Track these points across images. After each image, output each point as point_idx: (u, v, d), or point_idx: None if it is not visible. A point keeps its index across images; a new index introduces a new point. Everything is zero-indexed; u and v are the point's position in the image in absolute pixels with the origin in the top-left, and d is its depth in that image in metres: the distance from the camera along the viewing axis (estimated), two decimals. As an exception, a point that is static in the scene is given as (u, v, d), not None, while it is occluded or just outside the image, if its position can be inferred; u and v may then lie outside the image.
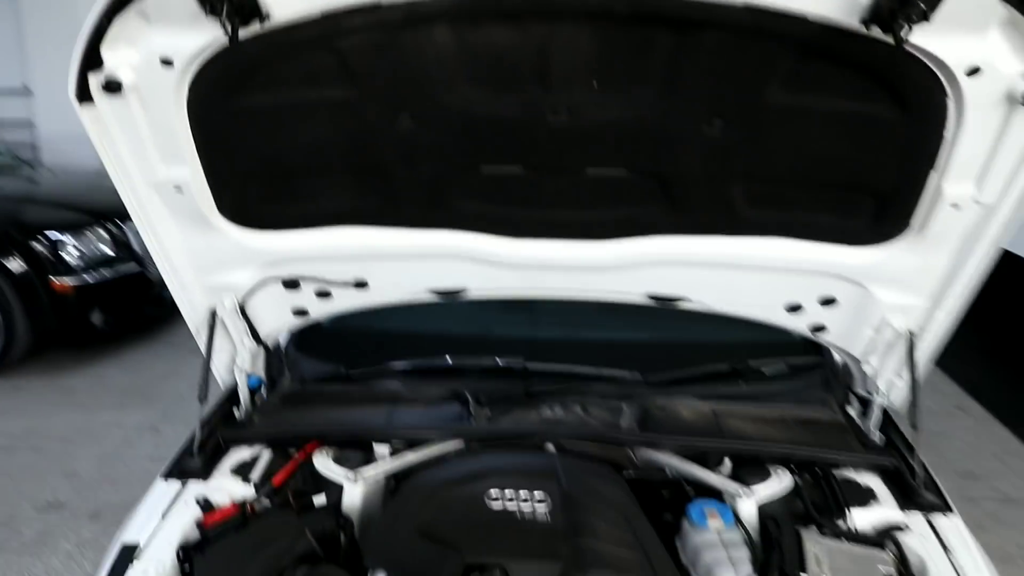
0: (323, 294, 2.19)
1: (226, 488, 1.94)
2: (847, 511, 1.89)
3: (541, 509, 1.78)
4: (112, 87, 1.59)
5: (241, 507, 1.86)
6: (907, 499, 1.94)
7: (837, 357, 2.46)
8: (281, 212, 1.98)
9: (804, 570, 1.67)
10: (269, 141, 1.78)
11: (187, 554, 1.75)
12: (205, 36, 1.51)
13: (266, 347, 2.37)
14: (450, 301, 2.23)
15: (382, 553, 1.71)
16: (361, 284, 2.16)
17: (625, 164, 1.80)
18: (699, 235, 1.96)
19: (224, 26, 1.40)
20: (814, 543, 1.76)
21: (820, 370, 2.48)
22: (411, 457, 2.03)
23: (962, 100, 1.51)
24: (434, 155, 1.79)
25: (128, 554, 1.73)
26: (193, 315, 2.19)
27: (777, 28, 1.42)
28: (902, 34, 1.33)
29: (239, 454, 2.06)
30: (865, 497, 1.94)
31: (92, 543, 3.44)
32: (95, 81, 1.60)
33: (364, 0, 1.43)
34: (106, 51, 1.55)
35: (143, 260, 5.43)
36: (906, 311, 2.07)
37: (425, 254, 2.06)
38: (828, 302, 2.11)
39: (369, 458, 2.04)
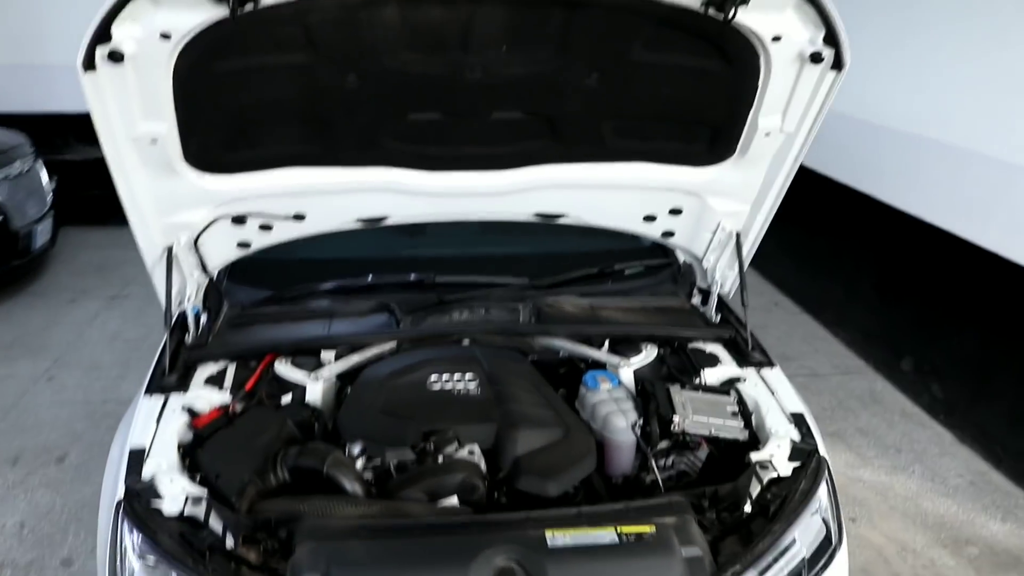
0: (265, 227, 2.54)
1: (204, 397, 2.29)
2: (700, 371, 2.49)
3: (472, 386, 2.27)
4: (115, 57, 1.84)
5: (224, 409, 2.24)
6: (742, 359, 2.56)
7: (681, 258, 3.07)
8: (237, 157, 2.29)
9: (675, 412, 2.25)
10: (235, 98, 2.08)
11: (187, 450, 2.12)
12: (203, 15, 1.79)
13: (209, 278, 2.69)
14: (372, 228, 2.64)
15: (355, 429, 2.15)
16: (300, 217, 2.52)
17: (522, 108, 2.26)
18: (577, 163, 2.46)
19: (231, 7, 1.72)
20: (679, 394, 2.34)
21: (668, 269, 3.07)
22: (356, 358, 2.45)
23: (769, 58, 2.06)
24: (371, 106, 2.17)
25: (138, 456, 2.06)
26: (151, 252, 2.47)
27: (640, 7, 1.90)
28: (729, 15, 1.85)
29: (206, 369, 2.41)
30: (712, 360, 2.55)
31: (20, 484, 3.64)
32: (101, 52, 1.84)
33: None
34: (115, 28, 1.80)
35: (7, 210, 5.41)
36: (734, 216, 2.66)
37: (356, 188, 2.44)
38: (675, 212, 2.68)
39: (320, 362, 2.45)
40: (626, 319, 2.69)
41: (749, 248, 2.74)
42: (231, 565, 1.78)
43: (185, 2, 1.77)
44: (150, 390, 2.32)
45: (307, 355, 2.46)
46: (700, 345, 2.64)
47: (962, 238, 4.13)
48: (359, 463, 2.05)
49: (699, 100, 2.27)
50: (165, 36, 1.84)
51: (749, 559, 1.85)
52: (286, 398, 2.35)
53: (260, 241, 2.60)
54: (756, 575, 1.86)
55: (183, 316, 2.62)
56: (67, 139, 7.48)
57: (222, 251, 2.60)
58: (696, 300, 2.96)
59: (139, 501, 1.91)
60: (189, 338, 2.59)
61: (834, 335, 5.36)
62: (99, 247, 6.72)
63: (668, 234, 2.78)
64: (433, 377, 2.29)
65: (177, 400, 2.27)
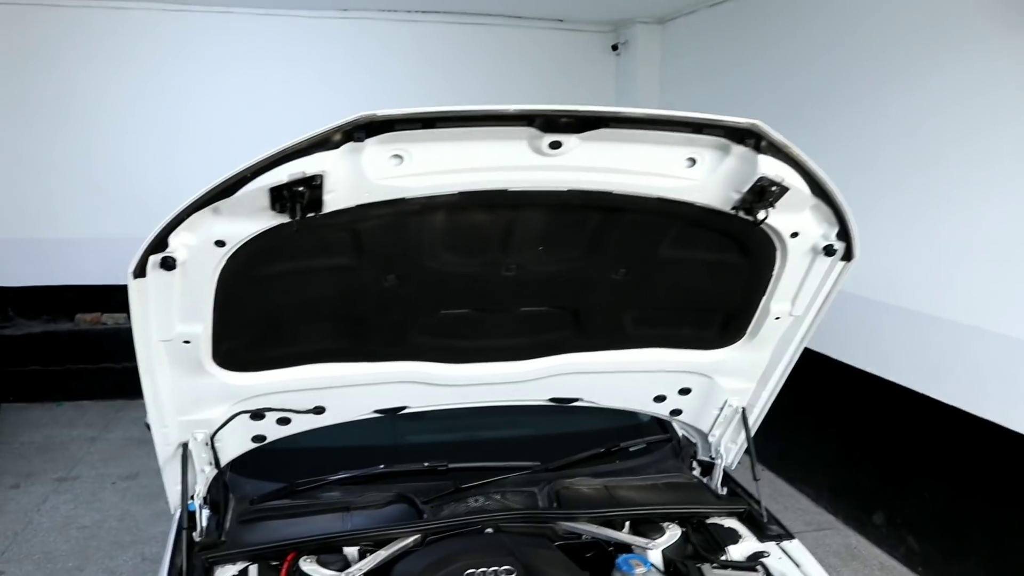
0: (283, 421, 2.52)
1: (232, 604, 2.21)
2: (725, 548, 2.52)
3: (508, 578, 2.25)
4: (168, 265, 1.85)
5: (255, 616, 2.16)
6: (761, 532, 2.61)
7: (680, 432, 3.14)
8: (265, 355, 2.29)
9: (711, 593, 2.26)
10: (274, 299, 2.11)
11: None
12: (261, 223, 1.82)
13: (217, 472, 2.62)
14: (390, 417, 2.64)
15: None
16: (319, 410, 2.51)
17: (549, 303, 2.35)
18: (595, 351, 2.55)
19: (293, 218, 1.77)
20: (711, 573, 2.37)
21: (668, 444, 3.13)
22: (384, 554, 2.40)
23: (786, 251, 2.22)
24: (405, 304, 2.23)
25: None
26: (165, 449, 2.41)
27: (674, 210, 2.04)
28: (759, 218, 2.01)
29: (227, 570, 2.32)
30: (733, 536, 2.58)
31: None
32: (153, 260, 1.85)
33: (391, 196, 1.86)
34: (172, 237, 1.83)
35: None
36: (740, 393, 2.76)
37: (378, 381, 2.45)
38: (685, 391, 2.77)
39: (346, 560, 2.38)
40: (642, 498, 2.72)
41: (754, 422, 2.83)
42: None
43: (246, 213, 1.80)
44: None
45: (331, 552, 2.40)
46: (717, 520, 2.67)
47: (922, 394, 4.34)
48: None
49: (716, 290, 2.40)
50: (219, 243, 1.87)
51: None
52: (317, 602, 2.27)
53: (276, 434, 2.57)
54: None
55: (187, 514, 2.53)
56: (6, 312, 7.30)
57: (236, 446, 2.56)
58: (696, 472, 3.02)
59: None
60: (196, 536, 2.50)
61: (801, 492, 5.45)
62: (40, 425, 6.46)
63: (676, 412, 2.86)
64: (470, 571, 2.26)
65: None
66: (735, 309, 2.46)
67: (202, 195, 1.73)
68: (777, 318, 2.46)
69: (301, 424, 2.55)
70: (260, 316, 2.16)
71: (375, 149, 1.70)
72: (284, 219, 1.81)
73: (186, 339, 2.11)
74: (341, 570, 2.32)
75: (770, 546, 2.55)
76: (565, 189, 1.92)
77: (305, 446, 2.76)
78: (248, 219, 1.82)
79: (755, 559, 2.49)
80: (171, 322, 2.05)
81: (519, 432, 3.15)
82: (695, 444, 3.09)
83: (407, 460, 2.81)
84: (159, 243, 1.82)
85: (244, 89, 7.27)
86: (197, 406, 2.35)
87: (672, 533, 2.57)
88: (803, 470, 5.50)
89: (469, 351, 2.44)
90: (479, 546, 2.39)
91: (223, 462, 2.57)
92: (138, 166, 7.17)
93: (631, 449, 3.04)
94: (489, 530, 2.52)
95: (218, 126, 7.16)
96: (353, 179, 1.74)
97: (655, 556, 2.48)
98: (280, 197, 1.72)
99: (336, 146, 1.65)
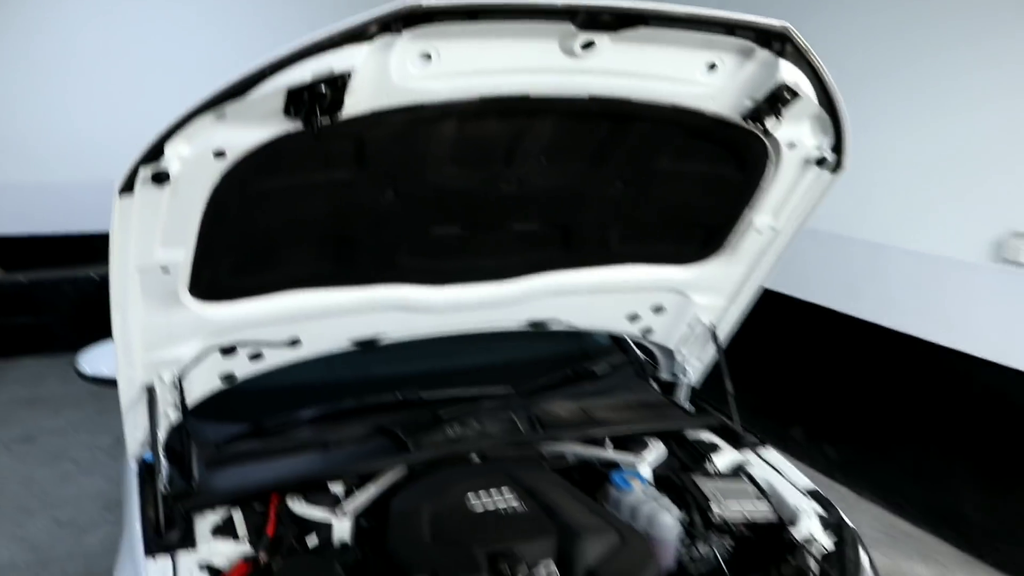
0: (256, 356, 2.35)
1: (221, 551, 2.05)
2: (709, 461, 2.56)
3: (514, 502, 2.19)
4: (160, 179, 1.64)
5: (252, 562, 2.02)
6: (737, 443, 2.66)
7: (639, 354, 3.15)
8: (244, 283, 2.11)
9: (711, 502, 2.29)
10: (263, 219, 1.93)
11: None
12: (268, 131, 1.64)
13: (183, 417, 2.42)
14: (362, 350, 2.51)
15: (419, 564, 2.00)
16: (295, 342, 2.35)
17: (542, 219, 2.28)
18: (579, 268, 2.50)
19: (309, 124, 1.62)
20: (704, 484, 2.39)
21: (631, 365, 3.14)
22: (374, 489, 2.30)
23: (780, 162, 2.21)
24: (399, 223, 2.10)
25: None
26: (129, 392, 2.19)
27: (684, 119, 2.00)
28: (768, 127, 1.99)
29: (207, 520, 2.16)
30: (714, 448, 2.62)
31: None
32: (144, 173, 1.64)
33: (411, 100, 1.72)
34: (168, 146, 1.63)
35: None
36: (712, 310, 2.78)
37: (359, 308, 2.32)
38: (659, 309, 2.76)
39: (336, 497, 2.27)
40: (620, 417, 2.72)
41: (724, 339, 2.86)
42: None
43: (255, 118, 1.63)
44: (151, 551, 2.04)
45: (318, 491, 2.28)
46: (693, 434, 2.71)
47: (840, 312, 4.53)
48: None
49: (705, 203, 2.38)
50: (219, 155, 1.68)
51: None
52: (311, 540, 2.15)
53: (246, 371, 2.40)
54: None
55: (156, 461, 2.34)
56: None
57: (204, 386, 2.37)
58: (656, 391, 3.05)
59: None
60: (162, 487, 2.32)
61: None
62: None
63: (648, 331, 2.86)
64: (471, 498, 2.19)
65: (189, 559, 2.01)
66: (720, 223, 2.46)
67: (210, 97, 1.55)
68: (758, 232, 2.47)
69: (274, 359, 2.39)
70: (245, 238, 1.99)
71: (406, 46, 1.58)
72: (293, 126, 1.65)
73: (164, 266, 1.91)
74: (332, 507, 2.22)
75: (748, 454, 2.61)
76: (585, 96, 1.84)
77: (269, 385, 2.59)
78: (255, 126, 1.65)
79: (738, 469, 2.54)
80: (151, 247, 1.85)
81: (485, 360, 3.07)
82: (655, 364, 3.11)
83: (375, 394, 2.70)
84: (154, 153, 1.62)
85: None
86: (167, 343, 2.15)
87: (657, 448, 2.59)
88: (713, 399, 5.67)
89: (455, 272, 2.35)
90: (476, 473, 2.33)
91: (190, 405, 2.38)
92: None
93: (596, 371, 3.04)
94: (475, 457, 2.46)
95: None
96: (377, 80, 1.61)
97: (646, 471, 2.49)
98: (298, 100, 1.57)
99: (370, 38, 1.51)
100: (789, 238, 2.50)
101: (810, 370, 4.85)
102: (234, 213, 1.87)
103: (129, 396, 2.22)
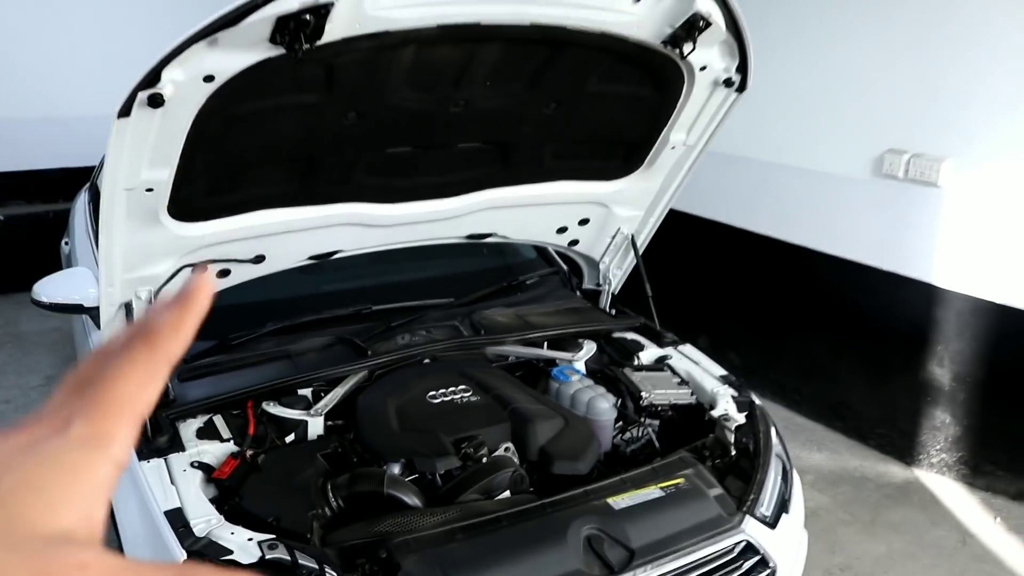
0: (224, 273, 2.52)
1: (209, 450, 2.25)
2: (636, 355, 2.87)
3: (469, 395, 2.46)
4: (156, 101, 1.78)
5: (240, 457, 2.23)
6: (659, 341, 2.98)
7: (563, 265, 3.44)
8: (216, 203, 2.26)
9: (642, 390, 2.61)
10: (238, 141, 2.09)
11: (217, 503, 2.09)
12: (254, 56, 1.80)
13: None
14: (321, 263, 2.71)
15: (391, 450, 2.26)
16: (259, 259, 2.53)
17: (484, 138, 2.50)
18: (516, 184, 2.74)
19: (291, 50, 1.78)
20: (633, 375, 2.71)
21: (556, 276, 3.43)
22: (342, 390, 2.52)
23: (693, 83, 2.49)
24: (357, 143, 2.29)
25: (178, 518, 2.00)
26: (108, 311, 2.34)
27: (612, 45, 2.24)
28: (685, 52, 2.26)
29: (189, 426, 2.35)
30: (638, 345, 2.94)
31: None
32: (142, 97, 1.77)
33: (378, 28, 1.89)
34: (165, 71, 1.76)
35: None
36: (631, 221, 3.08)
37: (319, 225, 2.50)
38: (584, 222, 3.04)
39: (307, 400, 2.48)
40: (553, 321, 3.00)
41: (642, 247, 3.17)
42: None
43: (243, 44, 1.78)
44: (143, 456, 2.22)
45: (288, 395, 2.49)
46: (619, 335, 3.02)
47: (738, 227, 4.92)
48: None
49: (627, 121, 2.65)
50: (208, 79, 1.83)
51: (758, 488, 2.26)
52: (289, 437, 2.37)
53: (214, 287, 2.56)
54: (761, 503, 2.27)
55: None
56: None
57: None
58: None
59: (207, 561, 1.90)
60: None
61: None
62: None
63: (574, 242, 3.13)
64: (431, 393, 2.45)
65: (180, 459, 2.21)
66: (640, 140, 2.73)
67: (206, 25, 1.70)
68: (673, 147, 2.75)
69: (240, 275, 2.57)
70: (222, 159, 2.15)
71: None
72: (275, 52, 1.82)
73: (149, 187, 2.05)
74: (305, 409, 2.44)
75: (669, 351, 2.94)
76: (527, 23, 2.06)
77: (228, 303, 2.76)
78: (243, 51, 1.80)
79: (660, 361, 2.87)
80: (139, 168, 1.99)
81: (426, 274, 3.30)
82: (580, 276, 3.40)
83: (328, 308, 2.90)
84: (152, 78, 1.77)
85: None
86: (145, 262, 2.30)
87: (589, 347, 2.89)
88: (628, 306, 6.06)
89: (405, 189, 2.56)
90: (432, 371, 2.58)
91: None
92: None
93: (528, 282, 3.31)
94: (427, 360, 2.71)
95: None
96: (354, 9, 1.79)
97: (580, 366, 2.79)
98: (283, 27, 1.74)
99: None
100: (698, 153, 2.80)
101: (713, 283, 5.24)
102: (214, 135, 2.03)
103: (108, 314, 2.37)
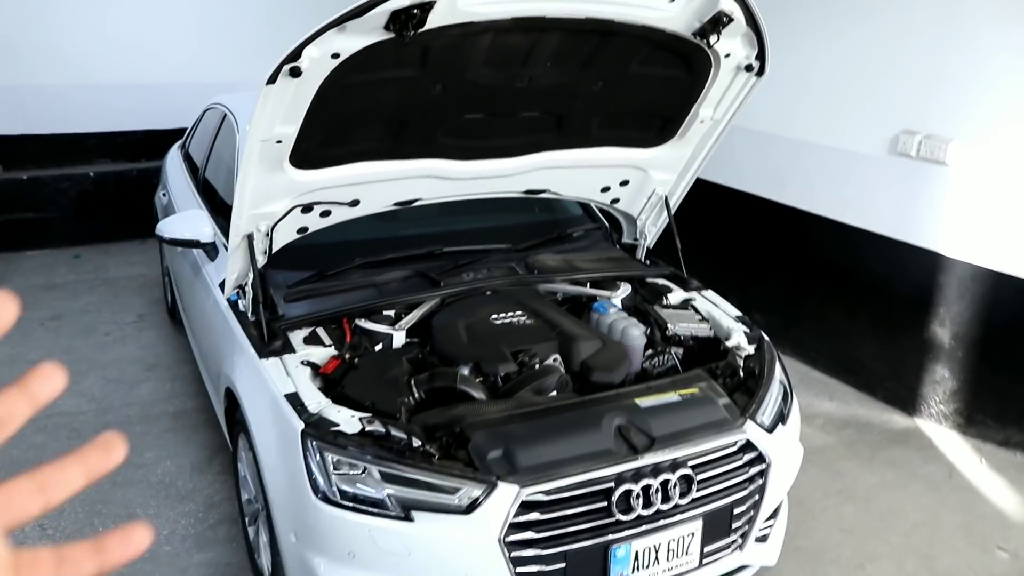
0: (325, 213, 3.07)
1: (315, 353, 2.81)
2: (665, 297, 3.39)
3: (524, 319, 3.00)
4: (295, 73, 2.32)
5: (341, 358, 2.79)
6: (685, 286, 3.49)
7: (605, 222, 3.95)
8: (327, 154, 2.79)
9: (668, 322, 3.12)
10: (349, 104, 2.62)
11: (325, 393, 2.64)
12: (371, 39, 2.32)
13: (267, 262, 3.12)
14: (404, 208, 3.24)
15: (462, 356, 2.80)
16: (355, 203, 3.08)
17: (542, 109, 3.01)
18: (567, 149, 3.25)
19: (400, 35, 2.30)
20: (661, 311, 3.23)
21: (599, 231, 3.94)
22: (419, 312, 3.07)
23: (719, 68, 2.98)
24: (442, 109, 2.81)
25: (296, 399, 2.56)
26: (235, 240, 2.88)
27: (651, 35, 2.74)
28: (712, 43, 2.75)
29: (297, 335, 2.91)
30: (667, 289, 3.46)
31: None
32: (286, 69, 2.31)
33: (466, 19, 2.41)
34: (306, 49, 2.30)
35: None
36: (665, 184, 3.58)
37: (405, 176, 3.04)
38: (624, 183, 3.55)
39: (392, 318, 3.03)
40: (596, 267, 3.52)
41: (673, 206, 3.67)
42: (425, 457, 2.40)
43: (364, 30, 2.31)
44: (263, 356, 2.79)
45: (377, 314, 3.04)
46: (652, 280, 3.53)
47: (767, 199, 5.38)
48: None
49: (662, 99, 3.14)
50: (335, 56, 2.37)
51: (760, 401, 2.76)
52: (377, 347, 2.93)
53: (316, 225, 3.11)
54: (761, 412, 2.77)
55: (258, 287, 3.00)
56: None
57: (285, 236, 3.08)
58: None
59: (318, 430, 2.45)
60: (249, 315, 3.03)
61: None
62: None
63: (615, 200, 3.65)
64: (494, 316, 2.99)
65: (291, 358, 2.77)
66: (673, 114, 3.23)
67: (340, 15, 2.24)
68: (701, 121, 3.25)
69: (338, 216, 3.11)
70: (335, 119, 2.68)
71: None
72: (387, 36, 2.35)
73: (279, 139, 2.60)
74: (390, 325, 2.99)
75: (694, 295, 3.45)
76: (583, 17, 2.56)
77: (326, 241, 3.30)
78: (363, 35, 2.34)
79: (685, 303, 3.38)
80: (274, 124, 2.53)
81: (488, 224, 3.83)
82: (620, 231, 3.91)
83: (406, 249, 3.45)
84: (295, 54, 2.31)
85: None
86: (267, 200, 2.85)
87: (625, 288, 3.41)
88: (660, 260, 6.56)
89: (477, 149, 3.08)
90: (494, 300, 3.12)
91: (275, 249, 3.08)
92: None
93: (574, 235, 3.84)
94: (489, 293, 3.24)
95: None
96: (450, 5, 2.31)
97: (617, 302, 3.31)
98: (396, 18, 2.27)
99: None
100: (724, 127, 3.29)
101: (742, 249, 5.71)
102: (332, 99, 2.56)
103: (234, 243, 2.93)
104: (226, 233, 3.46)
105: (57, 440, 4.15)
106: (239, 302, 3.14)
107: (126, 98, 7.47)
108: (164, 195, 5.25)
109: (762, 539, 2.83)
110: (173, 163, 5.42)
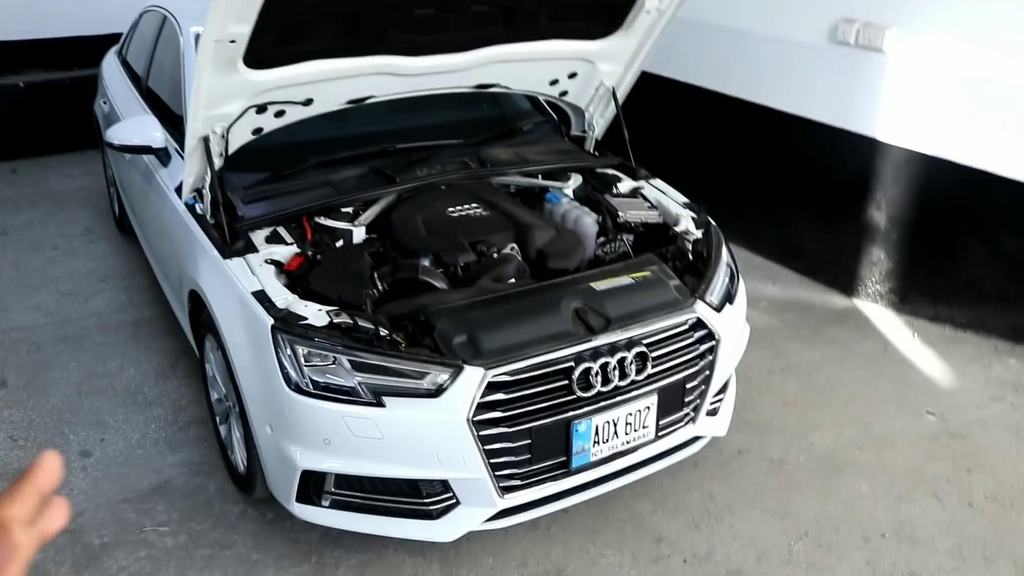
0: (279, 114, 3.07)
1: (277, 251, 2.87)
2: (615, 186, 3.49)
3: (480, 211, 3.08)
4: None
5: (304, 255, 2.85)
6: (634, 176, 3.59)
7: (554, 116, 4.01)
8: (280, 53, 2.78)
9: (619, 210, 3.23)
10: (302, 1, 2.60)
11: (291, 289, 2.71)
12: None
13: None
14: (357, 107, 3.26)
15: (421, 247, 2.88)
16: (308, 102, 3.08)
17: (491, 2, 3.02)
18: (516, 42, 3.27)
19: None
20: (612, 200, 3.33)
21: (548, 124, 4.00)
22: (378, 207, 3.13)
23: None
24: (393, 5, 2.81)
25: (263, 296, 2.64)
26: (191, 143, 2.89)
27: None
28: None
29: (258, 235, 2.96)
30: (616, 179, 3.56)
31: None
32: None
33: None
34: None
35: None
36: (612, 75, 3.63)
37: (357, 73, 3.04)
38: (572, 75, 3.59)
39: (351, 214, 3.09)
40: (547, 159, 3.59)
41: (622, 98, 3.73)
42: (392, 345, 2.50)
43: None
44: (227, 256, 2.84)
45: (335, 211, 3.09)
46: (602, 170, 3.63)
47: (711, 89, 5.47)
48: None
49: None
50: None
51: (708, 282, 2.91)
52: (338, 243, 2.99)
53: (271, 126, 3.12)
54: (710, 292, 2.92)
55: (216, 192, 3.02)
56: None
57: (240, 138, 3.08)
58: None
59: (288, 324, 2.53)
60: (209, 217, 3.06)
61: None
62: None
63: (564, 93, 3.69)
64: (450, 209, 3.06)
65: (255, 258, 2.83)
66: (620, 5, 3.25)
67: None
68: (648, 12, 3.28)
69: (292, 115, 3.12)
70: (288, 17, 2.66)
71: None
72: None
73: (232, 39, 2.58)
74: (349, 221, 3.05)
75: (642, 183, 3.55)
76: None
77: (280, 142, 3.30)
78: None
79: (635, 192, 3.49)
80: (227, 23, 2.51)
81: (439, 120, 3.86)
82: (566, 126, 3.98)
83: (359, 147, 3.48)
84: None
85: None
86: (222, 102, 2.84)
87: (576, 178, 3.50)
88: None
89: (428, 44, 3.08)
90: (450, 193, 3.19)
91: (231, 151, 3.08)
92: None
93: (524, 128, 3.89)
94: (444, 187, 3.30)
95: None
96: None
97: (569, 192, 3.41)
98: None
99: None
100: (669, 18, 3.33)
101: (689, 140, 5.81)
102: None
103: (190, 145, 2.93)
104: (176, 139, 3.47)
105: (17, 354, 4.17)
106: (196, 205, 3.16)
107: (54, 2, 7.18)
108: (105, 103, 5.13)
109: (713, 412, 3.02)
110: (111, 70, 5.28)
